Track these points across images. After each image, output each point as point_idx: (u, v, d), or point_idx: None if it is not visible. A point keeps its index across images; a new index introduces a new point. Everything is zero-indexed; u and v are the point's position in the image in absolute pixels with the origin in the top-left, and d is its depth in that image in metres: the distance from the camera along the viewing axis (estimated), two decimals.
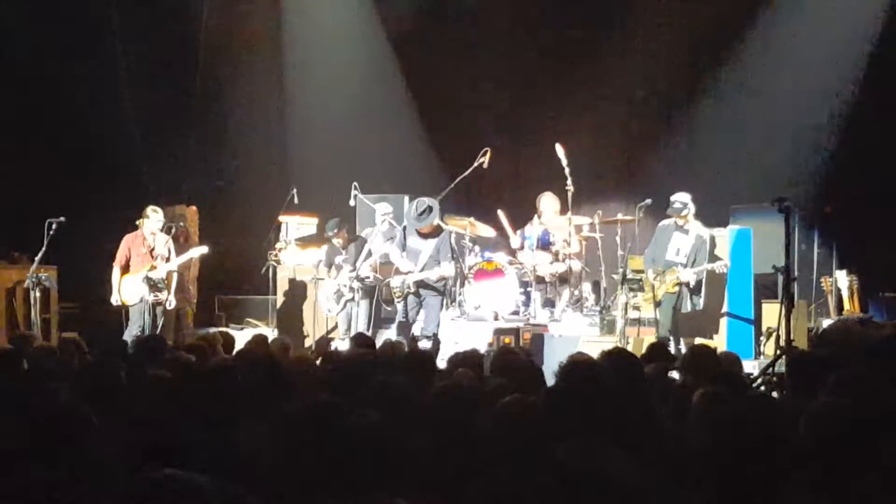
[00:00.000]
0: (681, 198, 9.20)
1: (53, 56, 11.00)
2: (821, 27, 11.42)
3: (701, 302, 9.18)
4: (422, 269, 9.36)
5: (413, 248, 9.49)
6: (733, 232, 10.14)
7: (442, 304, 9.68)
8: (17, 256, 10.34)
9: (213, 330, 9.70)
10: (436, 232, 9.50)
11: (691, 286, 9.09)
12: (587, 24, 12.78)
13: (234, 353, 6.59)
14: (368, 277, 9.88)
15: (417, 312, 9.50)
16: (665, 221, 9.36)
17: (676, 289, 9.05)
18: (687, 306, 9.10)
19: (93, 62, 11.44)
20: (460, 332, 9.85)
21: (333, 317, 10.33)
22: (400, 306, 9.50)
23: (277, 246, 11.28)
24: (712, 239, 9.42)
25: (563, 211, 10.38)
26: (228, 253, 12.12)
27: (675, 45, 12.47)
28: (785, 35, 11.74)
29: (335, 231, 10.18)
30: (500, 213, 10.91)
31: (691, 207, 9.18)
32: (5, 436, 3.39)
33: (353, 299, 9.92)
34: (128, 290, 9.60)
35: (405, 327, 9.40)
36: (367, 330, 9.58)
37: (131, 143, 12.05)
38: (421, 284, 9.40)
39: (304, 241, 11.50)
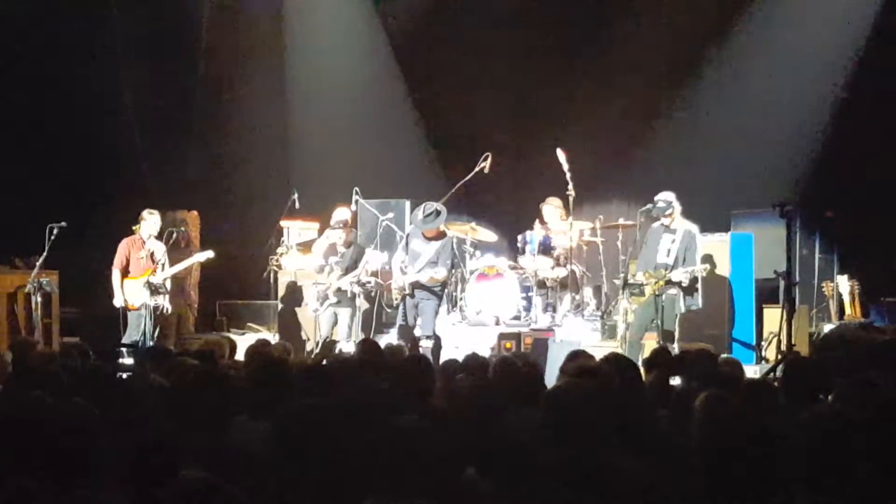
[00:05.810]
0: (664, 197, 8.94)
1: (54, 60, 10.99)
2: (821, 28, 11.43)
3: (699, 300, 8.77)
4: (418, 272, 9.36)
5: (414, 250, 9.51)
6: (734, 237, 10.14)
7: (437, 308, 9.59)
8: (18, 261, 10.33)
9: (214, 335, 9.66)
10: (439, 236, 9.51)
11: (684, 285, 8.67)
12: (588, 28, 12.77)
13: (245, 356, 6.61)
14: (370, 282, 9.85)
15: (415, 316, 9.48)
16: (655, 224, 9.21)
17: (661, 290, 8.62)
18: (681, 307, 8.75)
19: (93, 66, 11.44)
20: (461, 336, 9.85)
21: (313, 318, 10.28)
22: (400, 309, 9.50)
23: (279, 251, 11.27)
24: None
25: (565, 216, 10.37)
26: (229, 258, 12.10)
27: (675, 49, 12.47)
28: (785, 38, 11.72)
29: (342, 222, 9.76)
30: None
31: (676, 206, 8.91)
32: (8, 440, 3.39)
33: (338, 303, 9.70)
34: (131, 293, 9.51)
35: (405, 330, 9.38)
36: (350, 335, 9.52)
37: (132, 148, 12.05)
38: (416, 286, 9.37)
39: (306, 246, 11.48)
